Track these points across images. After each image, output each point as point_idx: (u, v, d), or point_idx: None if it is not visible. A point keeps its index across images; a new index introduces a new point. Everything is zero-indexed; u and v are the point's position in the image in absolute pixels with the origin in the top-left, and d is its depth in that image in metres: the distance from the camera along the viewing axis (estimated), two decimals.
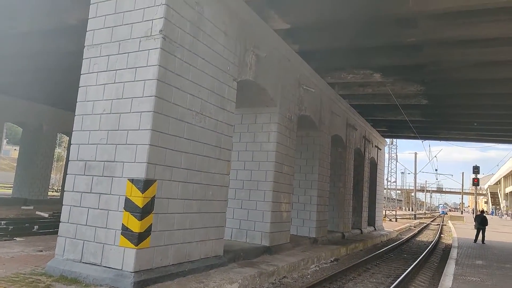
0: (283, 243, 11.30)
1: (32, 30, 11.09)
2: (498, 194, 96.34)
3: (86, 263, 6.42)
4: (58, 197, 28.38)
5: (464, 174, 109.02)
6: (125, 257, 6.14)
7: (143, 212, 6.22)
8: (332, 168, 16.48)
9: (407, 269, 11.09)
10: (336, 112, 16.24)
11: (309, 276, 9.63)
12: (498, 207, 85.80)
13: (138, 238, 6.13)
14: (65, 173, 7.26)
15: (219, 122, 8.15)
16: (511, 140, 24.78)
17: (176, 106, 6.89)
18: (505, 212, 71.70)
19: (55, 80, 16.69)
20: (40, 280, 6.02)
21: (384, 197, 44.03)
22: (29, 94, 20.74)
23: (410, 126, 20.71)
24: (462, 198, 79.66)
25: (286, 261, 9.68)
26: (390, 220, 39.03)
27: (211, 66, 7.85)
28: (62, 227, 6.81)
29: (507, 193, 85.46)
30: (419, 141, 30.85)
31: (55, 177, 50.96)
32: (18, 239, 9.94)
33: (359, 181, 20.81)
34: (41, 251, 8.30)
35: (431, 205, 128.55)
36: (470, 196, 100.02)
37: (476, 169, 29.62)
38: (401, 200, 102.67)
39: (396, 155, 62.09)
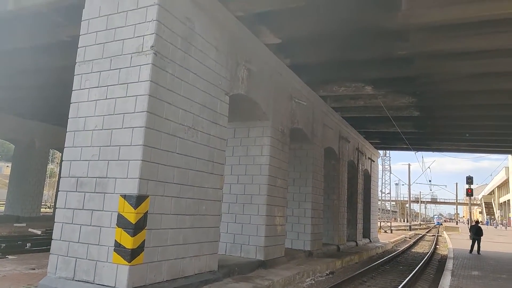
0: (278, 257, 11.23)
1: (24, 46, 11.13)
2: (492, 204, 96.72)
3: (78, 280, 6.34)
4: (51, 213, 28.02)
5: (458, 184, 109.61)
6: (118, 274, 6.08)
7: (136, 228, 6.18)
8: (326, 181, 16.50)
9: (403, 281, 11.05)
10: (329, 124, 16.35)
11: None
12: (492, 217, 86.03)
13: (131, 255, 6.08)
14: (58, 190, 7.21)
15: (211, 136, 8.18)
16: (503, 151, 25.05)
17: (168, 121, 6.91)
18: (500, 221, 71.92)
19: (47, 96, 16.65)
20: None
21: (379, 209, 44.00)
22: (20, 110, 20.65)
23: (402, 138, 20.87)
24: (457, 209, 79.83)
25: (281, 275, 9.61)
26: (385, 231, 38.95)
27: (203, 81, 7.92)
28: (54, 244, 6.74)
29: (501, 203, 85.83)
30: (412, 152, 31.05)
31: (48, 193, 50.38)
32: (10, 257, 9.79)
33: (353, 193, 20.83)
34: (34, 269, 8.19)
35: (426, 216, 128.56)
36: (465, 206, 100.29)
37: (469, 180, 29.76)
38: (396, 212, 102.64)
39: (390, 167, 62.31)
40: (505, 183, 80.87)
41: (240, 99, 9.86)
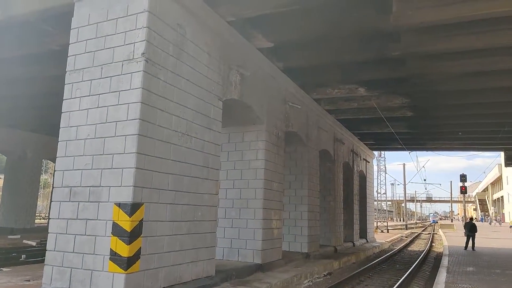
0: (275, 260, 11.21)
1: (14, 55, 11.06)
2: (486, 200, 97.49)
3: None
4: (46, 224, 27.76)
5: (452, 182, 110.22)
6: (115, 283, 6.03)
7: (131, 236, 6.14)
8: (322, 183, 16.53)
9: (399, 279, 11.09)
10: (323, 127, 16.40)
11: None
12: (487, 213, 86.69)
13: (127, 263, 6.04)
14: (52, 200, 7.15)
15: (206, 142, 8.17)
16: (495, 148, 25.24)
17: (161, 128, 6.90)
18: (494, 218, 72.45)
19: (38, 106, 16.53)
20: None
21: (375, 209, 44.15)
22: (12, 121, 20.47)
23: (396, 138, 20.98)
24: (451, 207, 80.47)
25: (279, 278, 9.59)
26: (382, 231, 39.07)
27: (196, 87, 7.91)
28: (48, 255, 6.67)
29: (495, 199, 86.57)
30: (407, 152, 31.24)
31: (42, 204, 49.92)
32: (5, 269, 9.67)
33: (349, 194, 20.88)
34: (29, 280, 8.09)
35: (422, 215, 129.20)
36: (459, 204, 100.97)
37: (463, 178, 29.98)
38: (392, 211, 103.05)
39: (385, 167, 62.58)
40: (498, 180, 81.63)
41: (233, 104, 9.87)
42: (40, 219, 38.13)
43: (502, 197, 78.27)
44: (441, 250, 21.00)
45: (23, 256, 12.18)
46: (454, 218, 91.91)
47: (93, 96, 6.83)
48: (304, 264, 12.34)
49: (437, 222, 74.29)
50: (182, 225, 7.36)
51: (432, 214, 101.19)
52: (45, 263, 6.68)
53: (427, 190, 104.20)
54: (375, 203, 43.30)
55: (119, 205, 6.24)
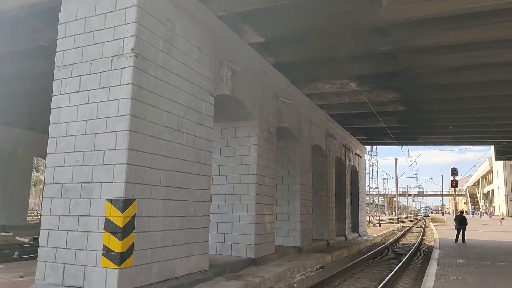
0: (268, 254, 11.29)
1: (5, 52, 10.94)
2: (476, 194, 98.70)
3: (67, 286, 6.30)
4: (38, 221, 27.59)
5: (443, 176, 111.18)
6: (108, 278, 6.06)
7: (124, 232, 6.16)
8: (314, 178, 16.62)
9: (391, 272, 11.24)
10: (315, 122, 16.47)
11: (295, 285, 9.65)
12: (477, 206, 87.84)
13: (120, 258, 6.06)
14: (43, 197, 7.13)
15: (197, 138, 8.18)
16: (486, 142, 25.54)
17: (152, 124, 6.89)
18: (484, 211, 73.40)
19: (29, 103, 16.38)
20: None
21: (367, 203, 44.48)
22: (2, 118, 20.27)
23: (388, 133, 21.14)
24: (443, 200, 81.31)
25: (272, 272, 9.68)
26: (374, 225, 39.42)
27: (186, 82, 7.91)
28: (41, 251, 6.67)
29: (485, 193, 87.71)
30: (398, 146, 31.48)
31: (34, 201, 49.57)
32: None
33: (341, 189, 21.03)
34: (22, 277, 8.09)
35: (414, 209, 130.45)
36: (450, 197, 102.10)
37: (454, 171, 30.27)
38: (384, 206, 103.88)
39: (377, 162, 62.96)
40: (488, 174, 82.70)
41: (225, 99, 9.87)
42: (32, 216, 37.89)
43: (492, 190, 79.35)
44: (432, 243, 21.28)
45: (16, 253, 12.13)
46: (445, 211, 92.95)
47: (83, 92, 6.80)
48: (297, 258, 12.44)
49: (428, 216, 75.07)
50: (174, 221, 7.39)
51: (423, 208, 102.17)
52: (37, 259, 6.67)
53: (418, 184, 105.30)
54: (367, 197, 43.61)
55: (111, 201, 6.24)
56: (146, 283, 6.58)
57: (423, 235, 28.69)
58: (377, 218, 45.95)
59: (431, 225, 40.14)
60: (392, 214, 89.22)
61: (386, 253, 17.94)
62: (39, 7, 8.17)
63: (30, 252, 12.06)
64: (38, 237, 6.75)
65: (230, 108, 10.63)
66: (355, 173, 24.48)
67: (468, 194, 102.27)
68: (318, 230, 17.30)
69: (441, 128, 21.31)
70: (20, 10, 8.47)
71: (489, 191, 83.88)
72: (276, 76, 12.38)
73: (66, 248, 6.45)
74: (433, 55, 11.28)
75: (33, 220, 30.82)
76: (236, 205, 10.89)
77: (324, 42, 10.81)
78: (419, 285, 8.90)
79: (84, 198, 6.48)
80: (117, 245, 6.08)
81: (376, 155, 63.45)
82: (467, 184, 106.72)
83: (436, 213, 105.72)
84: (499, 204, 70.58)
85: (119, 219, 6.15)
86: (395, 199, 74.13)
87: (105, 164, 6.42)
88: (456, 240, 18.29)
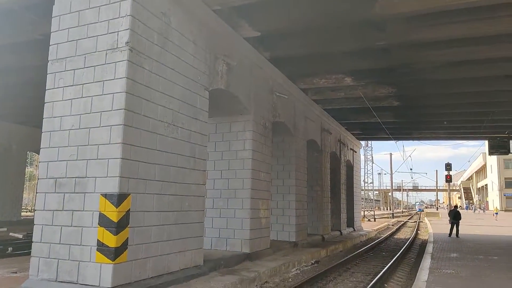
0: (263, 249, 11.32)
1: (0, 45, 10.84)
2: (471, 189, 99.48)
3: (62, 281, 6.28)
4: (32, 217, 27.47)
5: (438, 171, 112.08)
6: (102, 273, 6.04)
7: (118, 227, 6.14)
8: (309, 173, 16.65)
9: (385, 266, 11.32)
10: (310, 117, 16.47)
11: (290, 280, 9.68)
12: (471, 201, 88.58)
13: (114, 253, 6.05)
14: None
15: (192, 132, 8.15)
16: (480, 137, 25.67)
17: (147, 118, 6.85)
18: (478, 206, 74.02)
19: (23, 97, 16.25)
20: None
21: (362, 198, 44.70)
22: None
23: (383, 128, 21.19)
24: (437, 195, 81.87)
25: (267, 266, 9.70)
26: (369, 220, 39.62)
27: (181, 76, 7.86)
28: (35, 247, 6.64)
29: (479, 188, 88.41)
30: (393, 141, 31.62)
31: (28, 197, 49.33)
32: None
33: (336, 183, 21.09)
34: (16, 272, 8.04)
35: (408, 204, 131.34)
36: (445, 192, 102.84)
37: (448, 166, 30.47)
38: (379, 200, 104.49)
39: (372, 157, 63.18)
40: (482, 169, 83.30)
41: (220, 94, 9.83)
42: (26, 211, 37.70)
43: (486, 185, 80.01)
44: (426, 237, 21.43)
45: (10, 248, 12.06)
46: (439, 206, 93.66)
47: (77, 86, 6.74)
48: (292, 252, 12.49)
49: (423, 211, 75.56)
50: (169, 215, 7.37)
51: (418, 203, 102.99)
52: (31, 254, 6.64)
53: (413, 179, 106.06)
54: (362, 192, 43.83)
55: (105, 195, 6.21)
56: (141, 278, 6.57)
57: (417, 229, 28.90)
58: (372, 213, 46.20)
59: (426, 219, 40.43)
60: (387, 209, 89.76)
61: (381, 247, 18.05)
62: (34, 0, 8.07)
63: (24, 248, 12.01)
64: (32, 233, 6.71)
65: (225, 102, 10.59)
66: (350, 168, 24.55)
67: (462, 189, 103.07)
68: (313, 225, 17.36)
69: (436, 123, 21.40)
70: (14, 2, 8.38)
71: (483, 186, 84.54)
72: (271, 70, 12.35)
73: (60, 243, 6.42)
74: (429, 50, 11.29)
75: (27, 216, 30.65)
76: (231, 200, 10.89)
77: (319, 37, 10.79)
78: (413, 279, 8.96)
79: (78, 193, 6.44)
80: (111, 240, 6.06)
81: (371, 150, 63.57)
82: (461, 179, 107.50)
83: (430, 208, 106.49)
84: (493, 199, 71.19)
85: (113, 214, 6.13)
86: (390, 194, 74.58)
87: (99, 159, 6.38)
88: (450, 234, 18.44)
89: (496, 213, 40.40)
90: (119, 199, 6.17)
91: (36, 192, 6.95)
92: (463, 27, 9.61)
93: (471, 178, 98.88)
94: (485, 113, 17.88)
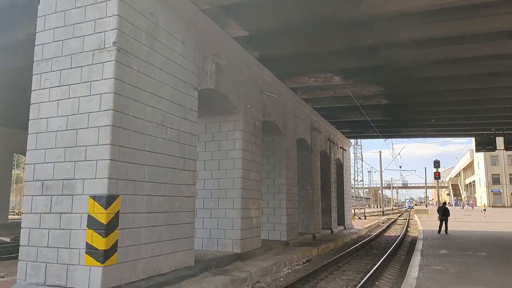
0: (254, 249, 11.31)
1: None
2: (459, 185, 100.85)
3: (50, 285, 6.18)
4: (20, 220, 27.05)
5: (426, 169, 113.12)
6: (92, 276, 5.97)
7: (107, 229, 6.06)
8: (300, 172, 16.70)
9: (376, 264, 11.40)
10: (300, 116, 16.51)
11: (282, 279, 9.68)
12: (459, 198, 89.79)
13: (104, 256, 5.97)
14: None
15: (182, 132, 8.10)
16: (467, 134, 26.02)
17: (135, 119, 6.79)
18: (466, 202, 75.05)
19: (7, 98, 15.97)
20: None
21: (353, 196, 45.00)
22: None
23: (372, 126, 21.35)
24: (426, 192, 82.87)
25: (259, 266, 9.69)
26: (360, 218, 39.89)
27: (170, 76, 7.80)
28: (22, 250, 6.53)
29: (467, 184, 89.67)
30: (383, 140, 31.88)
31: (16, 199, 48.56)
32: None
33: (326, 182, 21.18)
34: (3, 277, 7.89)
35: (398, 201, 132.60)
36: (433, 189, 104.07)
37: (436, 164, 30.82)
38: (369, 198, 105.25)
39: (362, 155, 63.65)
40: (470, 165, 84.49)
41: (209, 93, 9.79)
42: (13, 214, 37.09)
43: (473, 181, 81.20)
44: (416, 234, 21.65)
45: None
46: (428, 203, 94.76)
47: (63, 87, 6.64)
48: (283, 252, 12.50)
49: (412, 208, 76.37)
50: (159, 217, 7.32)
51: (408, 200, 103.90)
52: (19, 258, 6.53)
53: (403, 176, 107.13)
54: (353, 190, 44.12)
55: (94, 197, 6.13)
56: (131, 280, 6.51)
57: (407, 226, 29.19)
58: (362, 211, 46.52)
59: (415, 216, 40.85)
60: (377, 207, 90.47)
61: (372, 245, 18.18)
62: None
63: (11, 252, 11.78)
64: (20, 236, 6.60)
65: (215, 102, 10.55)
66: (340, 167, 24.68)
67: (450, 186, 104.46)
68: (304, 224, 17.40)
69: (424, 121, 21.64)
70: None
71: (470, 183, 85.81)
72: (260, 70, 12.34)
73: (48, 246, 6.32)
74: (415, 48, 11.40)
75: (14, 219, 30.16)
76: (222, 200, 10.85)
77: (307, 36, 10.82)
78: (404, 275, 9.04)
79: (66, 195, 6.35)
80: (100, 243, 5.99)
81: (361, 148, 64.03)
82: (450, 176, 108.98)
83: (420, 205, 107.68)
84: (481, 195, 72.29)
85: (102, 216, 6.05)
86: (380, 191, 75.20)
87: (87, 160, 6.30)
88: (439, 231, 18.65)
89: (484, 210, 41.00)
90: (108, 200, 6.10)
91: (23, 195, 6.84)
92: (450, 26, 9.72)
93: (459, 175, 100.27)
94: (471, 111, 18.13)
